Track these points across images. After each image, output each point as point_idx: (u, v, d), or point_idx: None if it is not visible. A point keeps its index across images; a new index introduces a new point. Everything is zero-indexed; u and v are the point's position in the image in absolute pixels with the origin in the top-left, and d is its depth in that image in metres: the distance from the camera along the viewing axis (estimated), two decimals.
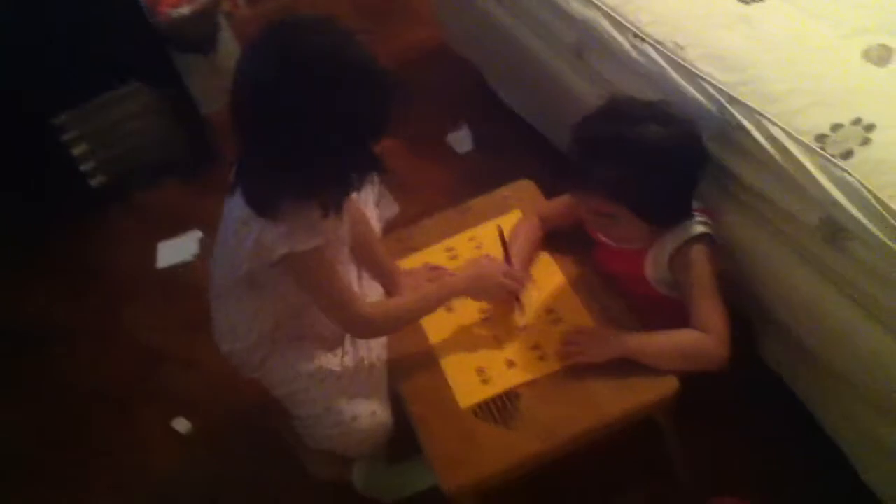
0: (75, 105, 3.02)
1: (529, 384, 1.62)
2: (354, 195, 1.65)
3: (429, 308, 1.70)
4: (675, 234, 1.64)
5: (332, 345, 1.73)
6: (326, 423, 1.71)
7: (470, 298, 1.74)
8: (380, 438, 1.75)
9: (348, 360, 1.71)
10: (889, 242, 1.28)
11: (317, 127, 1.38)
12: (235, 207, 1.55)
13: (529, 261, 1.83)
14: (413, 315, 1.71)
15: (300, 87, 1.36)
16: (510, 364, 1.67)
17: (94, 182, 3.18)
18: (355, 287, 1.77)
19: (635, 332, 1.62)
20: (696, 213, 1.65)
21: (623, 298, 1.73)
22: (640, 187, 1.57)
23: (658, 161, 1.55)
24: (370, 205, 1.91)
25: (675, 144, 1.56)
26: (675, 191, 1.60)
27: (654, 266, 1.69)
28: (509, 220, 1.91)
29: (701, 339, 1.57)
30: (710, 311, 1.58)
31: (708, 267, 1.62)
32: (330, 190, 1.51)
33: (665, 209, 1.62)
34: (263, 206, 1.49)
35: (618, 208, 1.61)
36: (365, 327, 1.66)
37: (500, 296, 1.72)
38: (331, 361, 1.71)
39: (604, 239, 1.76)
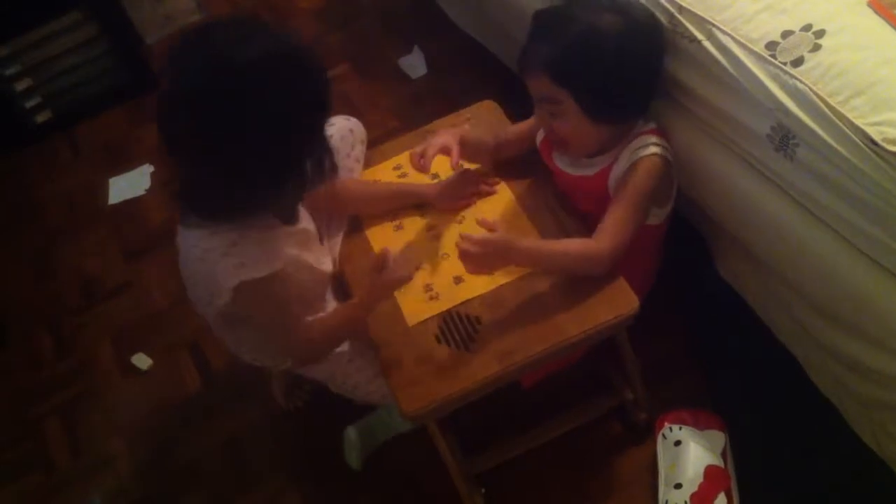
0: (16, 36, 2.93)
1: (487, 305, 1.62)
2: None
3: (358, 324, 1.65)
4: (631, 154, 1.62)
5: None
6: (368, 388, 1.78)
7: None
8: None
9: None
10: (839, 147, 1.28)
11: (255, 130, 1.35)
12: (192, 245, 1.52)
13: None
14: (343, 334, 1.68)
15: (228, 92, 1.33)
16: (457, 280, 1.67)
17: (40, 118, 3.12)
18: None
19: (526, 240, 1.61)
20: (651, 135, 1.64)
21: (577, 215, 1.72)
22: (583, 71, 1.54)
23: (605, 48, 1.53)
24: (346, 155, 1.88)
25: (626, 37, 1.53)
26: (619, 86, 1.56)
27: (613, 189, 1.67)
28: None
29: (585, 246, 1.58)
30: (617, 219, 1.58)
31: (645, 180, 1.61)
32: (286, 191, 1.49)
33: (607, 103, 1.58)
34: (218, 218, 1.47)
35: (562, 94, 1.58)
36: (307, 352, 1.66)
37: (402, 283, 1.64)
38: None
39: (558, 164, 1.75)
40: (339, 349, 1.73)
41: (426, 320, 1.63)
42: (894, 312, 1.33)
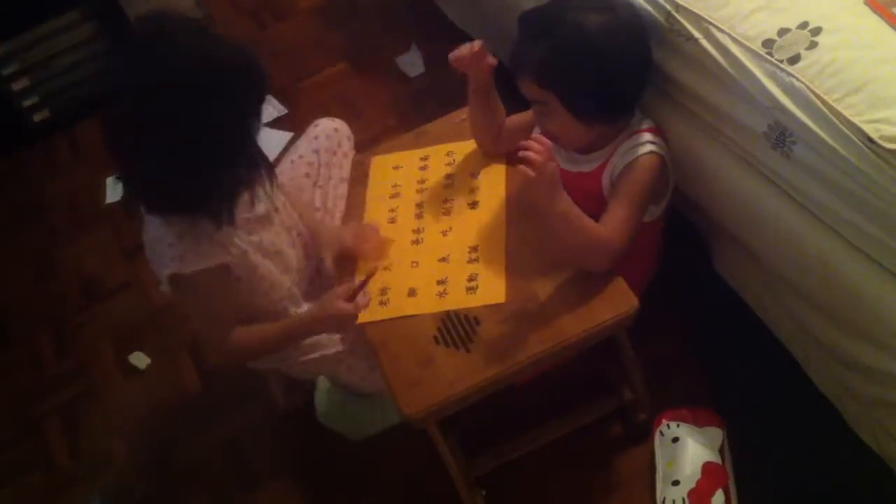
0: (13, 35, 2.93)
1: (486, 306, 1.61)
2: None
3: (284, 344, 1.70)
4: (627, 152, 1.62)
5: None
6: (362, 385, 1.82)
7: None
8: None
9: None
10: (835, 145, 1.27)
11: (184, 131, 1.40)
12: (146, 230, 1.58)
13: None
14: (268, 349, 1.71)
15: (162, 91, 1.38)
16: (441, 293, 1.66)
17: (38, 117, 3.11)
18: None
19: (568, 200, 1.54)
20: (647, 133, 1.63)
21: None
22: (568, 74, 1.55)
23: (587, 52, 1.53)
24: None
25: (610, 39, 1.53)
26: (602, 88, 1.56)
27: (609, 187, 1.67)
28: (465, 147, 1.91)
29: (602, 233, 1.56)
30: (618, 217, 1.57)
31: (643, 178, 1.60)
32: (217, 195, 1.52)
33: (592, 104, 1.58)
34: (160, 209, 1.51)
35: (548, 96, 1.58)
36: (223, 358, 1.75)
37: (350, 321, 1.66)
38: (331, 343, 1.75)
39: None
40: (330, 350, 1.74)
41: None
42: (893, 311, 1.33)
